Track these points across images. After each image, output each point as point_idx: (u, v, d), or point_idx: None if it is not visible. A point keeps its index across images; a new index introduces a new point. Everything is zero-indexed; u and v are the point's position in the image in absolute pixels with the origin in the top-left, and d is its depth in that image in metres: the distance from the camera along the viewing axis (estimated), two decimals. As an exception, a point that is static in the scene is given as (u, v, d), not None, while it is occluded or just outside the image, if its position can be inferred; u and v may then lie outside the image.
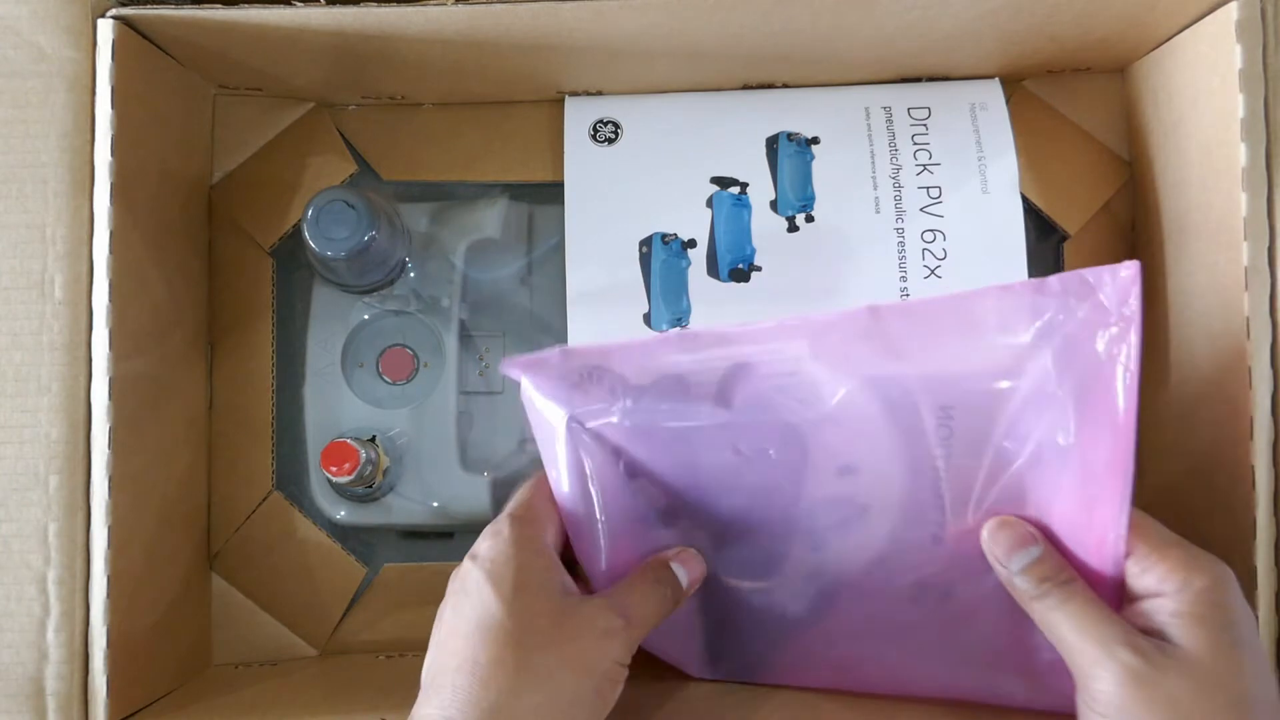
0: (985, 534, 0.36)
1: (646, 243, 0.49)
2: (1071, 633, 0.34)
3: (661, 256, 0.49)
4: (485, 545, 0.37)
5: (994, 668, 0.40)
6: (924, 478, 0.37)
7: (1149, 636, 0.33)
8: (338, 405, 0.51)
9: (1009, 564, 0.36)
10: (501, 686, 0.34)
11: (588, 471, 0.38)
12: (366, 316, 0.52)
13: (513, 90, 0.51)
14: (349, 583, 0.51)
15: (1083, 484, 0.35)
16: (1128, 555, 0.34)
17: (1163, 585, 0.34)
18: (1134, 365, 0.33)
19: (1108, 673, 0.33)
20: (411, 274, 0.51)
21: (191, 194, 0.50)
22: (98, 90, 0.42)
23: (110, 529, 0.41)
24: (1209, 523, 0.43)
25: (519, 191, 0.52)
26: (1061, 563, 0.35)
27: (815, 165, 0.49)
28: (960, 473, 0.37)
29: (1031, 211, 0.50)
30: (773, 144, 0.50)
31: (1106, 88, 0.51)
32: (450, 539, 0.52)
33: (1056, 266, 0.51)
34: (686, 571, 0.40)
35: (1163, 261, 0.47)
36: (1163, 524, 0.35)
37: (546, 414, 0.38)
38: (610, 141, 0.51)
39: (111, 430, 0.41)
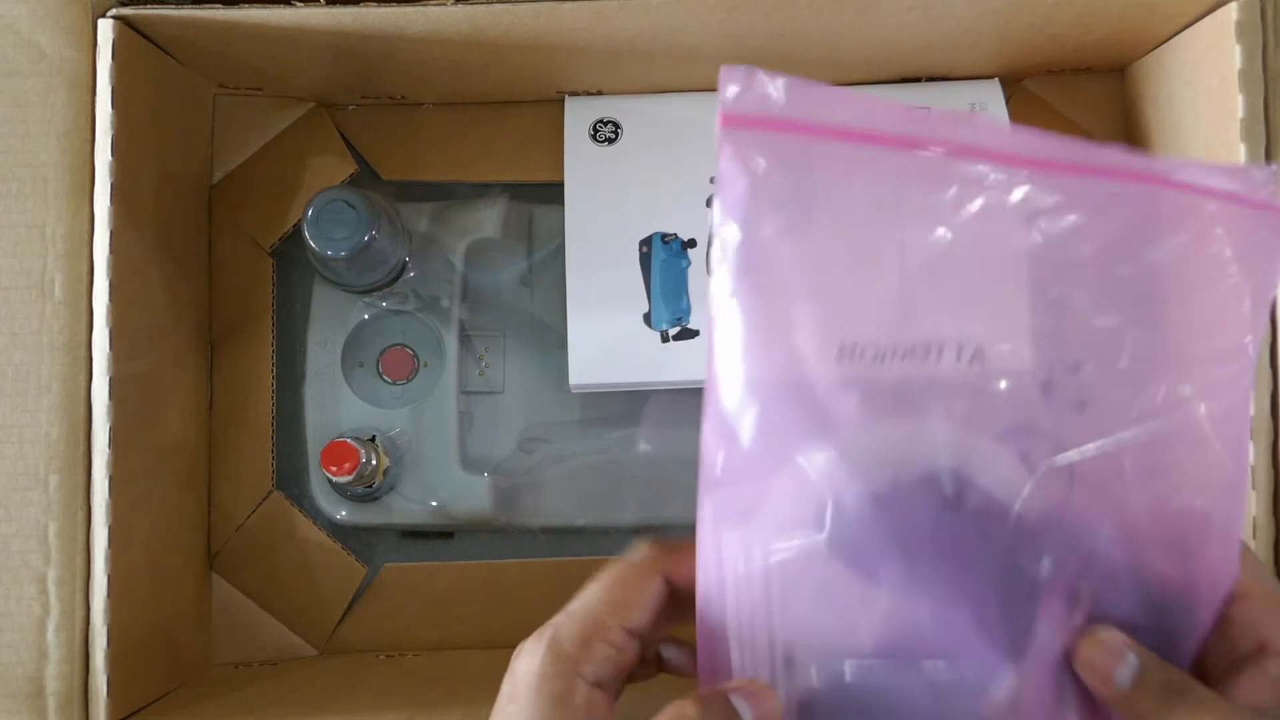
0: (1084, 654, 0.29)
1: (647, 242, 0.49)
2: None
3: (661, 256, 0.49)
4: (523, 664, 0.30)
5: None
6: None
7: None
8: (338, 405, 0.51)
9: (1119, 684, 0.29)
10: None
11: None
12: (366, 316, 0.51)
13: (513, 90, 0.51)
14: (349, 583, 0.51)
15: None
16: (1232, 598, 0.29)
17: None
18: None
19: None
20: (411, 274, 0.51)
21: (191, 194, 0.50)
22: (98, 90, 0.42)
23: (110, 529, 0.41)
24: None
25: (519, 191, 0.52)
26: (1166, 664, 0.29)
27: (815, 165, 0.49)
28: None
29: (1031, 211, 0.50)
30: (773, 144, 0.50)
31: (1106, 88, 0.51)
32: (450, 539, 0.52)
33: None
34: (751, 709, 0.30)
35: (1162, 261, 0.47)
36: None
37: None
38: (610, 141, 0.51)
39: (111, 430, 0.41)
